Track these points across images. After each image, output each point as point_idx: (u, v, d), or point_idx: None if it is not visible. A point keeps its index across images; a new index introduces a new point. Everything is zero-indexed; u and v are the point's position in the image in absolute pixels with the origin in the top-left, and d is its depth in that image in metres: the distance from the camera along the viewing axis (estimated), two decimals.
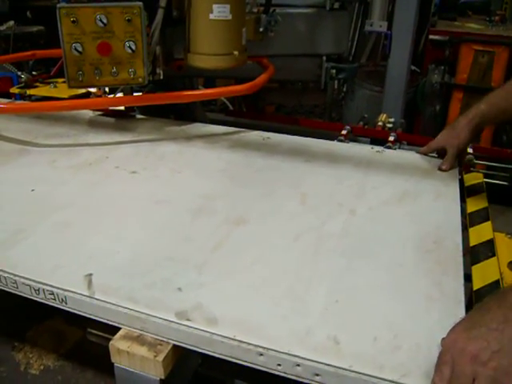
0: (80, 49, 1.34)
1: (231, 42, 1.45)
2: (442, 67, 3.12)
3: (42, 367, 1.56)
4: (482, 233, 1.13)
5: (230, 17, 1.41)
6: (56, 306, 0.90)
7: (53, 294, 0.89)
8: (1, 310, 1.71)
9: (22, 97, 1.99)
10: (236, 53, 1.45)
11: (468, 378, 0.66)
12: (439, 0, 3.47)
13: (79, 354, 1.59)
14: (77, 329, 1.66)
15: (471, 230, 1.15)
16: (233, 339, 0.77)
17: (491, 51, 2.97)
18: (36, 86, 2.06)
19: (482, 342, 0.67)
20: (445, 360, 0.69)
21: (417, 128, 3.28)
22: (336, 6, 1.79)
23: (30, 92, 1.99)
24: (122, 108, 1.69)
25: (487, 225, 1.16)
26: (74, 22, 1.32)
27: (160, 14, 1.41)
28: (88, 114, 1.71)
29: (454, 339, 0.70)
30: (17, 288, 0.92)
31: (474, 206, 1.25)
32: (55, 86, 2.01)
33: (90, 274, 0.90)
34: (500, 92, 1.28)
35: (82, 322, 1.62)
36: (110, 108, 1.67)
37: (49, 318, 1.71)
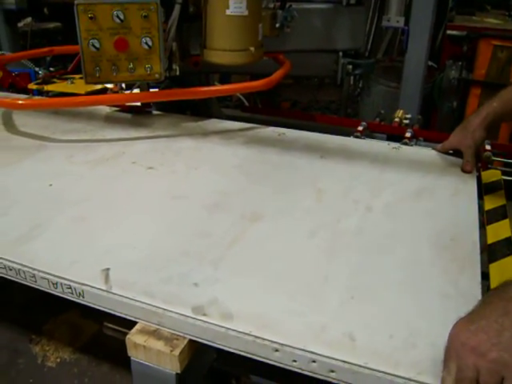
0: (97, 45, 1.35)
1: (247, 38, 1.45)
2: (460, 63, 3.09)
3: (58, 360, 1.59)
4: (499, 231, 1.12)
5: (246, 12, 1.41)
6: (73, 300, 0.91)
7: (70, 287, 0.90)
8: (18, 304, 1.74)
9: (40, 93, 2.01)
10: (252, 49, 1.45)
11: (471, 371, 0.67)
12: None
13: (95, 347, 1.62)
14: (93, 322, 1.69)
15: (489, 228, 1.13)
16: (248, 334, 0.77)
17: (510, 46, 2.92)
18: (53, 82, 2.08)
19: (482, 334, 0.67)
20: (450, 355, 0.70)
21: (433, 124, 3.25)
22: (352, 1, 1.79)
23: (47, 88, 2.01)
24: (139, 104, 1.70)
25: (505, 223, 1.15)
26: (91, 18, 1.33)
27: (177, 9, 1.42)
28: (105, 109, 1.72)
29: (456, 333, 0.71)
30: (35, 282, 0.93)
31: (491, 203, 1.24)
32: (72, 82, 2.03)
33: (107, 269, 0.91)
34: None
35: (98, 316, 1.65)
36: (127, 104, 1.69)
37: (65, 311, 1.73)
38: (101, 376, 1.54)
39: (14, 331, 1.67)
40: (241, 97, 2.23)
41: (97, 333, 1.67)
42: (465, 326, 0.70)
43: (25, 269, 0.93)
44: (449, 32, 3.13)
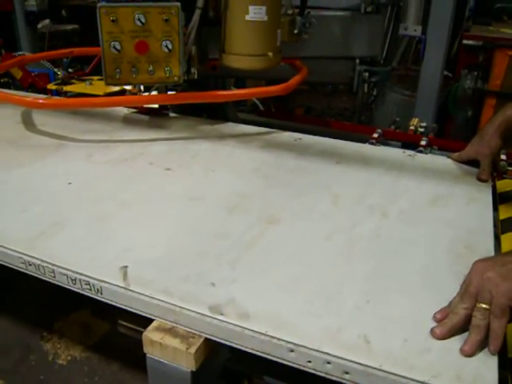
0: (118, 47, 1.37)
1: (266, 43, 1.46)
2: (475, 73, 3.08)
3: (69, 358, 1.60)
4: None
5: (265, 18, 1.42)
6: (91, 296, 0.92)
7: (89, 284, 0.91)
8: (31, 302, 1.76)
9: (59, 93, 2.04)
10: (270, 54, 1.47)
11: (475, 288, 0.79)
12: (474, 5, 3.43)
13: (106, 346, 1.63)
14: (103, 322, 1.70)
15: (503, 237, 1.13)
16: (264, 334, 0.78)
17: None
18: (72, 83, 2.11)
19: (490, 262, 0.82)
20: (467, 282, 0.82)
21: (447, 133, 3.24)
22: (370, 9, 1.80)
23: (66, 88, 2.04)
24: (156, 106, 1.72)
25: None
26: (113, 20, 1.35)
27: (197, 14, 1.44)
28: (122, 111, 1.74)
29: (474, 267, 0.83)
30: (54, 277, 0.95)
31: (506, 212, 1.24)
32: (91, 84, 2.06)
33: (126, 266, 0.92)
34: None
35: (109, 316, 1.66)
36: (145, 106, 1.71)
37: (76, 310, 1.75)
38: (111, 374, 1.55)
39: (26, 328, 1.69)
40: (256, 101, 2.24)
41: (107, 332, 1.69)
42: (481, 262, 0.84)
43: (44, 264, 0.95)
44: (465, 42, 3.12)
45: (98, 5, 1.34)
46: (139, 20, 1.35)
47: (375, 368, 0.73)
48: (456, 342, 0.77)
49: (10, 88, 2.14)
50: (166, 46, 1.39)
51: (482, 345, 0.76)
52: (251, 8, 1.41)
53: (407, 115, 2.15)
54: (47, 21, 3.80)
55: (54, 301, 1.76)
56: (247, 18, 1.42)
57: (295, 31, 1.58)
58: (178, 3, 1.36)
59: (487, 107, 3.05)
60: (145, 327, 0.87)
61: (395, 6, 2.68)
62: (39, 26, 3.58)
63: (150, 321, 0.88)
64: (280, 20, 1.51)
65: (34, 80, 2.10)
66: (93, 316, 1.74)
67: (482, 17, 3.44)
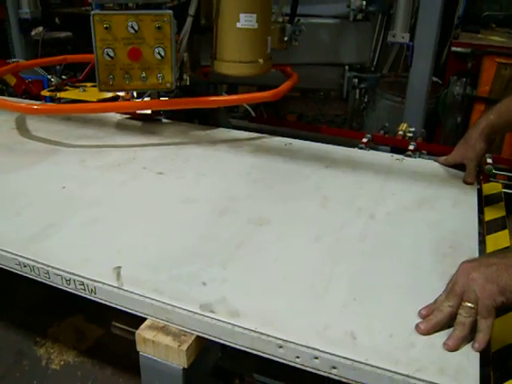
0: (111, 54, 1.40)
1: (257, 50, 1.49)
2: (464, 79, 3.13)
3: (62, 363, 1.60)
4: (498, 241, 1.15)
5: (256, 26, 1.45)
6: (86, 296, 0.94)
7: (83, 284, 0.93)
8: (24, 306, 1.77)
9: (52, 99, 2.06)
10: (261, 61, 1.50)
11: (460, 288, 0.82)
12: (463, 12, 3.48)
13: (99, 351, 1.64)
14: (97, 327, 1.71)
15: (488, 238, 1.16)
16: (254, 331, 0.80)
17: None
18: (66, 90, 2.13)
19: (476, 263, 0.85)
20: (453, 282, 0.85)
21: (437, 139, 3.28)
22: (359, 17, 1.83)
23: (60, 95, 2.05)
24: (149, 112, 1.74)
25: (504, 233, 1.18)
26: (106, 28, 1.37)
27: (189, 22, 1.46)
28: (115, 117, 1.76)
29: (460, 268, 0.86)
30: (49, 278, 0.97)
31: (491, 214, 1.27)
32: (84, 90, 2.08)
33: (119, 267, 0.95)
34: (509, 102, 1.30)
35: (103, 321, 1.67)
36: (137, 112, 1.73)
37: (70, 315, 1.76)
38: (104, 379, 1.55)
39: (19, 333, 1.69)
40: (248, 107, 2.26)
41: (101, 337, 1.70)
42: (467, 263, 0.86)
43: (39, 265, 0.97)
44: (454, 49, 3.17)
45: (92, 12, 1.36)
46: (132, 27, 1.38)
47: (361, 362, 0.75)
48: (440, 338, 0.79)
49: (3, 95, 2.16)
50: (159, 53, 1.41)
51: (465, 341, 0.79)
52: (242, 16, 1.44)
53: (398, 121, 2.18)
54: (40, 28, 3.82)
55: (47, 306, 1.76)
56: (238, 25, 1.45)
57: (285, 38, 1.60)
58: (171, 11, 1.39)
59: (476, 113, 3.10)
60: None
61: (386, 14, 2.73)
62: (32, 33, 3.59)
63: (144, 320, 0.90)
64: (270, 27, 1.53)
65: (27, 87, 2.12)
66: (86, 321, 1.75)
67: (471, 24, 3.50)
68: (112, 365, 1.58)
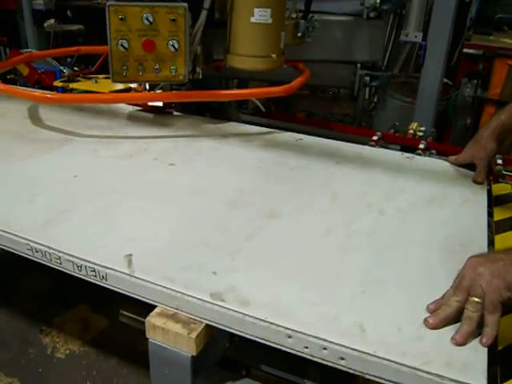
0: (126, 45, 1.40)
1: (270, 45, 1.50)
2: (475, 81, 3.12)
3: (67, 352, 1.62)
4: (507, 240, 1.15)
5: (270, 21, 1.45)
6: (96, 282, 0.95)
7: (94, 271, 0.94)
8: (30, 295, 1.78)
9: (65, 90, 2.07)
10: (274, 55, 1.50)
11: (467, 282, 0.83)
12: (475, 14, 3.47)
13: (104, 341, 1.65)
14: (102, 317, 1.72)
15: (497, 237, 1.16)
16: (264, 321, 0.81)
17: None
18: (78, 81, 2.14)
19: (483, 258, 0.86)
20: (461, 276, 0.85)
21: (447, 140, 3.27)
22: (372, 15, 1.83)
23: (72, 86, 2.07)
24: (160, 104, 1.75)
25: None
26: (121, 19, 1.38)
27: (203, 15, 1.47)
28: (127, 108, 1.78)
29: (467, 263, 0.86)
30: (60, 264, 0.98)
31: (500, 214, 1.27)
32: (96, 82, 2.09)
33: (130, 255, 0.95)
34: None
35: (108, 312, 1.68)
36: (149, 104, 1.74)
37: (76, 305, 1.77)
38: (108, 369, 1.56)
39: (25, 322, 1.70)
40: (257, 103, 2.26)
41: (106, 327, 1.71)
42: (474, 258, 0.87)
43: (51, 251, 0.98)
44: (465, 50, 3.16)
45: (108, 3, 1.37)
46: (147, 19, 1.38)
47: (369, 354, 0.76)
48: (448, 332, 0.80)
49: (16, 85, 2.17)
50: (173, 46, 1.42)
51: (473, 335, 0.80)
52: (256, 10, 1.44)
53: (407, 121, 2.18)
54: (52, 20, 3.83)
55: (53, 296, 1.78)
56: (252, 19, 1.45)
57: (299, 34, 1.60)
58: (185, 4, 1.39)
59: (486, 115, 3.08)
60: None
61: (398, 14, 2.72)
62: (45, 25, 3.61)
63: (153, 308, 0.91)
64: (284, 23, 1.54)
65: (40, 77, 2.13)
66: (91, 312, 1.76)
67: (483, 27, 3.48)
68: (116, 355, 1.59)
